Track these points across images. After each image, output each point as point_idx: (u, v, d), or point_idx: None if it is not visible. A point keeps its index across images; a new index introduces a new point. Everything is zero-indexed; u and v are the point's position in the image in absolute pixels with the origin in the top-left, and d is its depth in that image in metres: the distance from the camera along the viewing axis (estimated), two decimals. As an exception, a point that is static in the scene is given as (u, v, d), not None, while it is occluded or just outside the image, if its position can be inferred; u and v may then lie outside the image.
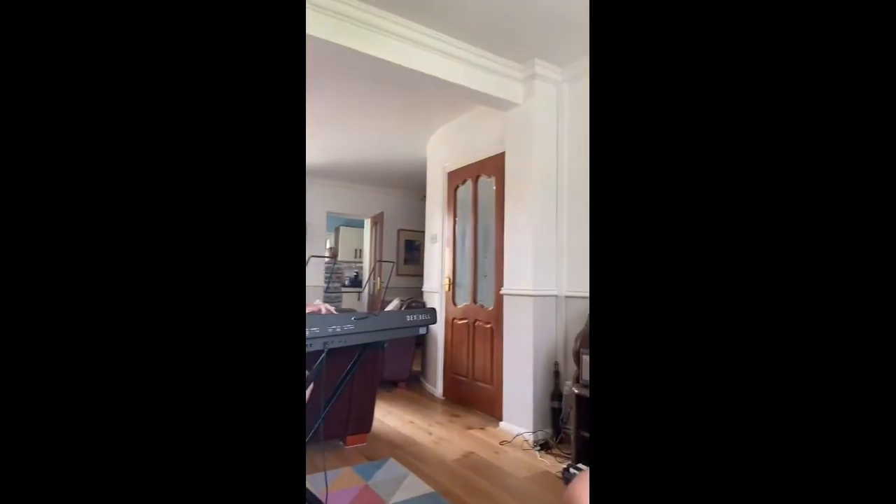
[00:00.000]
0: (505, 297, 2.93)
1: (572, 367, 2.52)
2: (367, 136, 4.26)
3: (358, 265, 8.11)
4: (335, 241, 8.04)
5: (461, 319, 3.52)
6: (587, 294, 2.61)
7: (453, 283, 3.68)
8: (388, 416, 3.10)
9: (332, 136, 4.27)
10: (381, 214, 6.29)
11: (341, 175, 5.79)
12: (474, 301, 3.43)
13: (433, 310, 1.59)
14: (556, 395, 2.67)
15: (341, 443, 2.51)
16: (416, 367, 4.19)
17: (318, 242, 6.15)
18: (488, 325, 3.22)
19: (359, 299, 7.53)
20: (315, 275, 6.01)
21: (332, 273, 7.86)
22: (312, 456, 2.28)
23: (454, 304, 3.63)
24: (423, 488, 2.00)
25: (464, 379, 3.44)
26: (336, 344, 1.32)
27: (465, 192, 3.63)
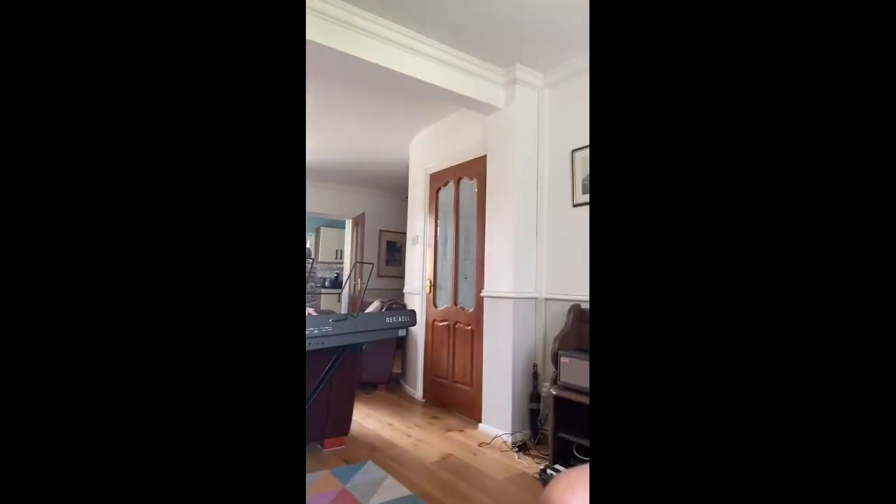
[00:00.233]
0: (485, 300, 2.95)
1: (550, 369, 2.55)
2: (350, 136, 4.24)
3: (339, 266, 8.04)
4: (315, 241, 7.96)
5: (442, 321, 3.52)
6: (566, 296, 2.65)
7: (434, 285, 3.68)
8: (367, 419, 3.09)
9: (314, 137, 4.23)
10: (363, 215, 6.26)
11: (323, 175, 5.74)
12: (455, 303, 3.44)
13: (413, 312, 1.59)
14: (535, 396, 2.70)
15: (319, 446, 2.49)
16: (396, 370, 4.17)
17: (297, 243, 6.08)
18: (469, 327, 3.23)
19: (339, 300, 7.47)
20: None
21: (309, 273, 7.77)
22: (289, 459, 2.25)
23: (435, 305, 3.63)
24: (401, 491, 2.00)
25: (444, 381, 3.44)
26: (314, 346, 1.31)
27: (446, 194, 3.64)
